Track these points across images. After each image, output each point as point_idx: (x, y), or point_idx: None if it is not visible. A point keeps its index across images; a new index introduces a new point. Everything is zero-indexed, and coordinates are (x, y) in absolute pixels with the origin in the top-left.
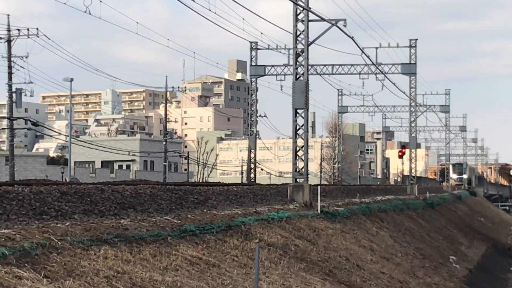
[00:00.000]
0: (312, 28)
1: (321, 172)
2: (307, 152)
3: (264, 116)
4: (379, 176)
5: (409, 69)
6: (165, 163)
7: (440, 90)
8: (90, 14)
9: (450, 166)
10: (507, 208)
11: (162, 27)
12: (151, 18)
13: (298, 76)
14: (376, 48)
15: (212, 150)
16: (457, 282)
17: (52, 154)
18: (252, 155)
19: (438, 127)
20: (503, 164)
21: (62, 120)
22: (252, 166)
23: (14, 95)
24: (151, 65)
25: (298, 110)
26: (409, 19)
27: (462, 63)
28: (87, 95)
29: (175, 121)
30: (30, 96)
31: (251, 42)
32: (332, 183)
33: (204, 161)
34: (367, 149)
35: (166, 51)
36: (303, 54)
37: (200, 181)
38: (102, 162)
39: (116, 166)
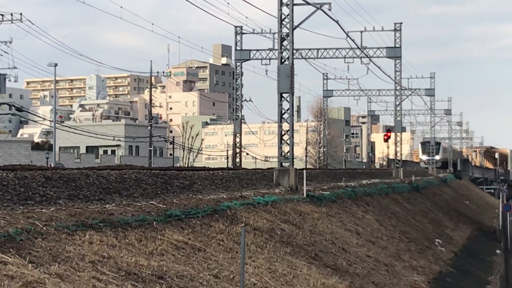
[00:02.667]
0: (297, 12)
1: (306, 156)
2: (293, 137)
3: (249, 100)
4: (365, 160)
5: (394, 53)
6: (150, 148)
7: (426, 74)
8: None
9: (419, 146)
10: (492, 191)
11: (148, 12)
12: (137, 4)
13: (283, 60)
14: (361, 32)
15: (197, 135)
16: (442, 265)
17: (36, 139)
18: (238, 139)
19: (423, 110)
20: (488, 147)
21: (46, 105)
22: (238, 150)
23: None
24: (136, 50)
25: (283, 94)
26: (395, 3)
27: (448, 47)
28: (72, 81)
29: (160, 106)
30: (14, 81)
31: (236, 27)
32: (317, 167)
33: (190, 146)
34: (353, 133)
35: (151, 36)
36: (288, 38)
37: (186, 166)
38: (87, 147)
39: (101, 151)
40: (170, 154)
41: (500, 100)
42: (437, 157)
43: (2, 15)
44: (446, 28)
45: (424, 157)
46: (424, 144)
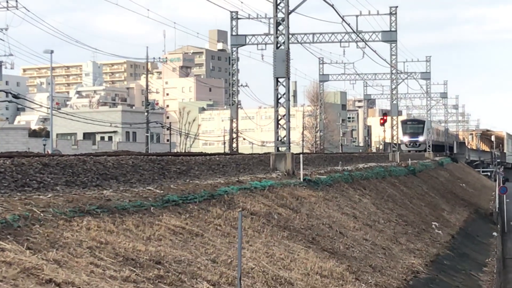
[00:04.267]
0: None
1: (303, 140)
2: (289, 121)
3: (246, 85)
4: (361, 144)
5: (390, 37)
6: (147, 134)
7: (422, 57)
8: None
9: (400, 125)
10: (489, 174)
11: None
12: None
13: (278, 45)
14: (357, 16)
15: (194, 120)
16: (439, 247)
17: (33, 126)
18: (234, 124)
19: (419, 94)
20: (484, 130)
21: (43, 92)
22: (234, 135)
23: None
24: (132, 37)
25: (279, 79)
26: None
27: (444, 30)
28: (68, 67)
29: (157, 92)
30: (11, 68)
31: (231, 12)
32: (314, 152)
33: (186, 132)
34: (349, 117)
35: (147, 23)
36: (284, 22)
37: (183, 151)
38: (84, 134)
39: (98, 138)
40: (167, 140)
41: (496, 83)
42: (421, 138)
43: None
44: (442, 11)
45: (406, 139)
46: (405, 123)
